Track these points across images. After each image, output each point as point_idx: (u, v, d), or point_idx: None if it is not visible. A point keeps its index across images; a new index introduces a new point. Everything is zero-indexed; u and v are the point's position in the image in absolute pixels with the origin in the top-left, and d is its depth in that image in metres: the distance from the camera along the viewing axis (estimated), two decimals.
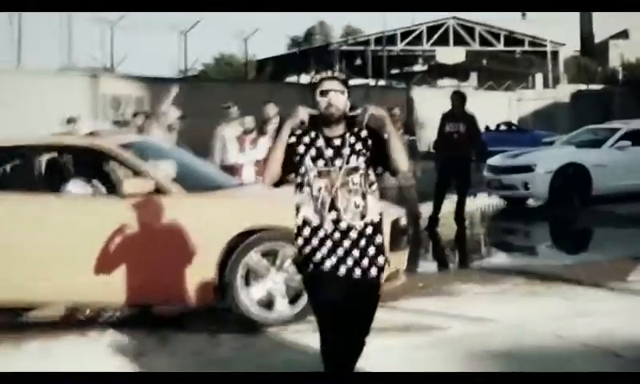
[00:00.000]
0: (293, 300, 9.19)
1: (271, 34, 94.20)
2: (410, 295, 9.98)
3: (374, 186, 5.96)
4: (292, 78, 59.64)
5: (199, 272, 9.24)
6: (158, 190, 9.28)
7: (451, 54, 70.92)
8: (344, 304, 5.84)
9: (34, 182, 10.25)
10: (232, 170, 14.44)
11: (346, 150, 5.87)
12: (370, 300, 5.98)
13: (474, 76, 71.76)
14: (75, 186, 10.12)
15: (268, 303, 9.21)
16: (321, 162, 5.86)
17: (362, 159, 5.87)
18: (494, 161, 21.97)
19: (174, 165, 9.46)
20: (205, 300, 9.41)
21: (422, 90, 47.02)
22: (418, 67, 73.62)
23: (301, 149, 5.92)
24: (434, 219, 16.41)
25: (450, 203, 17.09)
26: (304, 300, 8.96)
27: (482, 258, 15.23)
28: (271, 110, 16.61)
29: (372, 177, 5.96)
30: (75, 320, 10.02)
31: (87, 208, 9.69)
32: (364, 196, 5.85)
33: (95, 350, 8.62)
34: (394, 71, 66.94)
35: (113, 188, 9.97)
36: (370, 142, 5.91)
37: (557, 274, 11.53)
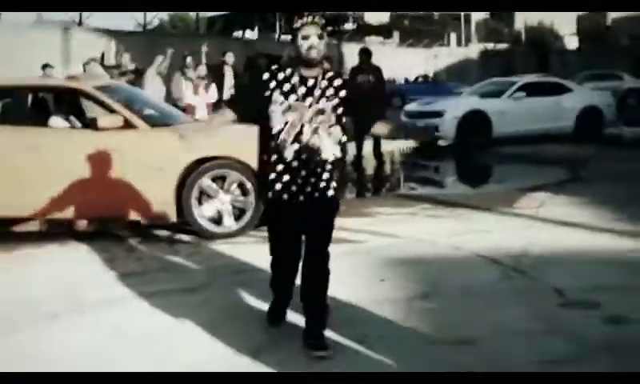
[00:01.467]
0: (237, 217, 9.52)
1: None
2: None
3: (336, 129, 5.61)
4: (237, 34, 59.10)
5: (161, 193, 9.53)
6: (127, 125, 9.55)
7: (377, 16, 70.85)
8: (304, 226, 5.75)
9: (24, 116, 10.51)
10: (187, 109, 14.91)
11: (317, 91, 5.61)
12: (329, 215, 5.79)
13: (396, 34, 71.56)
14: (57, 121, 10.46)
15: (217, 219, 9.55)
16: (293, 97, 5.60)
17: (329, 103, 5.61)
18: (410, 107, 22.32)
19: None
20: (166, 216, 9.68)
21: (351, 46, 47.04)
22: (349, 26, 73.30)
23: (272, 84, 5.65)
24: (357, 157, 16.46)
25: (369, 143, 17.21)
26: (246, 217, 9.46)
27: (397, 188, 15.37)
28: (229, 58, 17.87)
29: (334, 121, 5.61)
30: (56, 232, 10.26)
31: (68, 139, 9.88)
32: (324, 136, 5.56)
33: (74, 256, 8.92)
34: (329, 28, 66.25)
35: (87, 124, 10.13)
36: (342, 93, 5.65)
37: (458, 202, 11.88)
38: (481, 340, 5.81)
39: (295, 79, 5.62)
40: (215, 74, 16.91)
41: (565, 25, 67.94)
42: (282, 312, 6.29)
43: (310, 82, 5.61)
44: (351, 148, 15.56)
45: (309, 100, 5.58)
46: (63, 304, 7.03)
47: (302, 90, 5.59)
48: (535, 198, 11.87)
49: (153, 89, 15.63)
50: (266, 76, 5.67)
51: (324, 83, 5.64)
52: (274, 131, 5.61)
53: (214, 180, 9.49)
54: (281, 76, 5.65)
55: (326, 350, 5.61)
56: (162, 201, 9.56)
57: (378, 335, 6.03)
